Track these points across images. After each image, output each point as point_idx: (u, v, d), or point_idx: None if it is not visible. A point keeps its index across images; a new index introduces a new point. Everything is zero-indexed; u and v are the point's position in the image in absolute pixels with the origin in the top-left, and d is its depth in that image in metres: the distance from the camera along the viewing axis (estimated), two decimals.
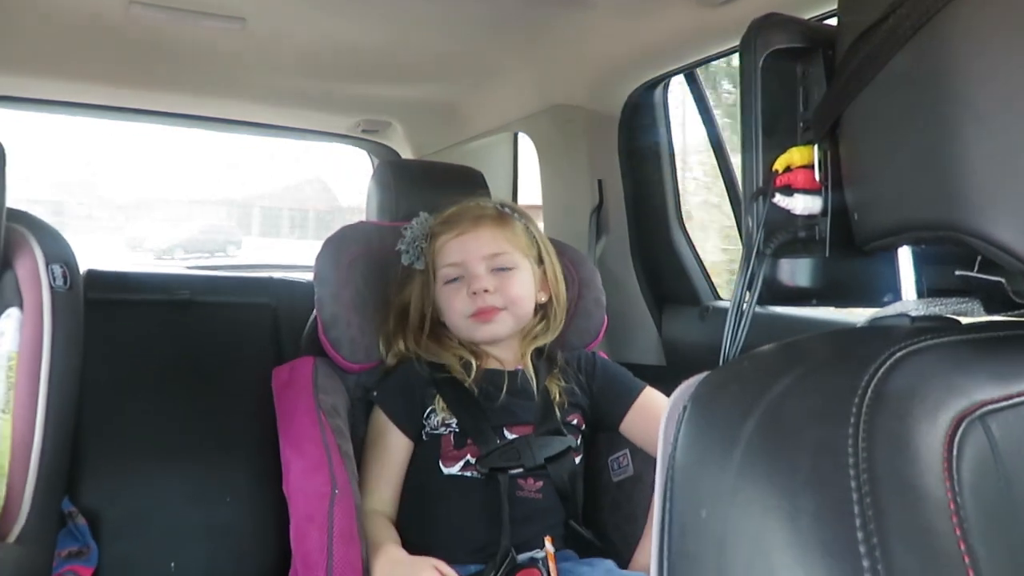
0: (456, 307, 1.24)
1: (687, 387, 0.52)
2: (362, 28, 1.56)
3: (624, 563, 1.16)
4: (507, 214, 1.29)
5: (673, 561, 0.44)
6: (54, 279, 1.04)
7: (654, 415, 1.21)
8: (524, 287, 1.26)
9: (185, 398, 1.52)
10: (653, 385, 1.31)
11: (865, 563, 0.35)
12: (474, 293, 1.21)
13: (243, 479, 1.51)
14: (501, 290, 1.22)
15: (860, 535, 0.36)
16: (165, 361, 1.55)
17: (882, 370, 0.43)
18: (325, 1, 1.44)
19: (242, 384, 1.49)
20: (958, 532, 0.36)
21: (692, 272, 1.70)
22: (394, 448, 1.20)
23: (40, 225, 1.11)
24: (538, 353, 1.28)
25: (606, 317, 1.41)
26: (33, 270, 1.08)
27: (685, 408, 0.50)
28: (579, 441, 1.24)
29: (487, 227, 1.25)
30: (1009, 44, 0.46)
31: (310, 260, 1.31)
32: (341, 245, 1.30)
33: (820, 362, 0.47)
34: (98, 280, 1.54)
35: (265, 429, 1.26)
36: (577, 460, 1.23)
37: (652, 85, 1.58)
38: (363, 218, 1.61)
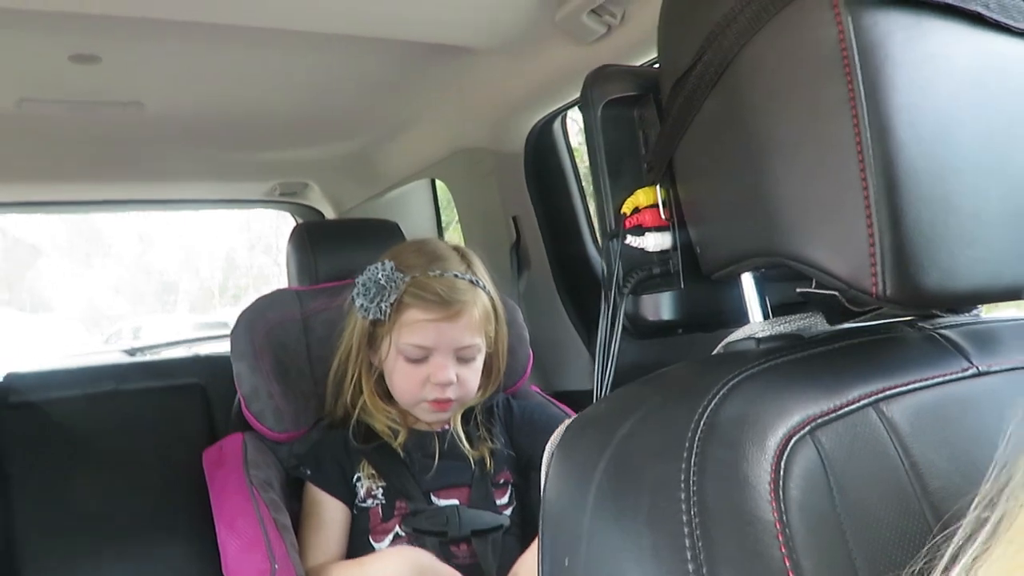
0: (411, 388, 1.19)
1: (558, 432, 0.55)
2: (263, 97, 1.58)
3: None
4: (479, 289, 1.21)
5: None
6: None
7: None
8: (478, 374, 1.23)
9: (122, 488, 1.50)
10: None
11: None
12: (437, 384, 1.17)
13: (188, 564, 1.49)
14: (461, 382, 1.19)
15: (691, 567, 0.38)
16: (98, 454, 1.52)
17: (716, 400, 0.46)
18: (218, 76, 1.45)
19: (178, 468, 1.48)
20: (783, 550, 0.39)
21: None
22: (332, 517, 1.19)
23: None
24: (466, 411, 1.28)
25: (531, 352, 1.43)
26: None
27: (552, 454, 0.52)
28: (509, 497, 1.25)
29: (466, 317, 1.17)
30: (797, 81, 0.50)
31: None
32: (255, 316, 1.30)
33: (665, 397, 0.50)
34: (19, 383, 1.52)
35: (204, 511, 1.25)
36: (509, 512, 1.23)
37: (550, 120, 1.63)
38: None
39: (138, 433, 1.54)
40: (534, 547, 1.18)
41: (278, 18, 1.18)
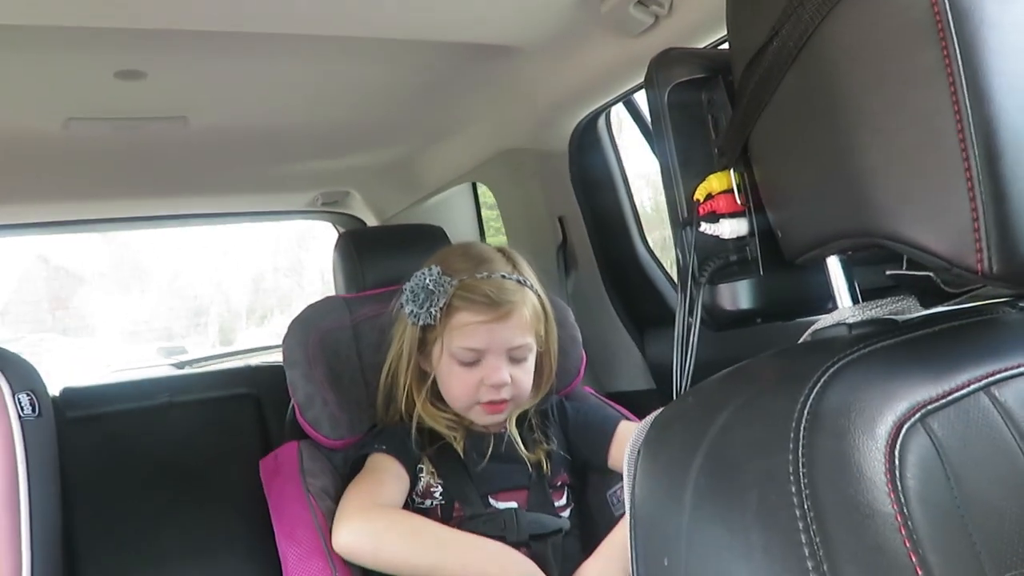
0: (465, 391, 1.18)
1: (642, 429, 0.52)
2: (305, 107, 1.58)
3: None
4: (527, 288, 1.21)
5: None
6: (22, 408, 1.03)
7: None
8: (531, 374, 1.22)
9: (178, 500, 1.51)
10: (646, 410, 1.29)
11: None
12: (491, 386, 1.16)
13: (247, 573, 1.49)
14: (514, 382, 1.18)
15: (810, 564, 0.36)
16: (154, 466, 1.53)
17: (817, 388, 0.43)
18: (262, 88, 1.45)
19: (233, 477, 1.47)
20: (907, 544, 0.36)
21: (665, 291, 1.71)
22: (400, 476, 1.15)
23: (1, 354, 1.10)
24: (521, 414, 1.26)
25: (584, 353, 1.41)
26: None
27: (639, 452, 0.50)
28: (566, 499, 1.23)
29: (516, 316, 1.17)
30: (887, 49, 0.47)
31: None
32: (307, 324, 1.30)
33: (759, 388, 0.47)
34: (75, 398, 1.54)
35: (262, 521, 1.24)
36: (566, 514, 1.21)
37: (594, 117, 1.60)
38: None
39: (193, 444, 1.55)
40: (597, 553, 1.16)
41: (320, 25, 1.17)
